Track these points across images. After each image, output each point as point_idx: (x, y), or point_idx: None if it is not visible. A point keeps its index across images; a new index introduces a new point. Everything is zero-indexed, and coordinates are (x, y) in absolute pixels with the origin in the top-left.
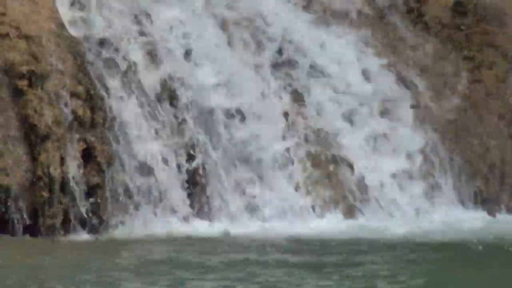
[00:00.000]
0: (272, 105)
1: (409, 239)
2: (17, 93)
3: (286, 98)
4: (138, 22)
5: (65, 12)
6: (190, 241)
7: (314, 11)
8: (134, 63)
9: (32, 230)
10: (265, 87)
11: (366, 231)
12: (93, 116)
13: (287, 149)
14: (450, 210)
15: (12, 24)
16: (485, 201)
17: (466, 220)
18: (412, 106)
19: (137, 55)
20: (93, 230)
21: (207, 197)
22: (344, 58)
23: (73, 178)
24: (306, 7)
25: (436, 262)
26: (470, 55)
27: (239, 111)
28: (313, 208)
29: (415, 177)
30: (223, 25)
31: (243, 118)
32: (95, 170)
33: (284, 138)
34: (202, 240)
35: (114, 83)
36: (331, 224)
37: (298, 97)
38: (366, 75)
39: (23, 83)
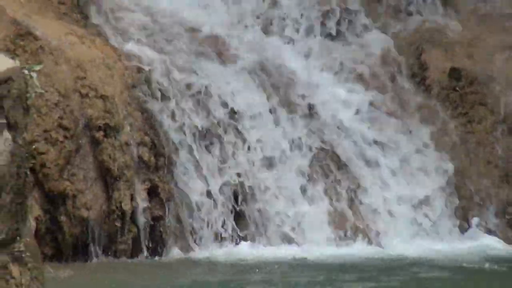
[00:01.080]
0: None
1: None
2: (95, 142)
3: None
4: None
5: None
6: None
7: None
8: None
9: (106, 254)
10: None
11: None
12: (157, 161)
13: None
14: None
15: (91, 86)
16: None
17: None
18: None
19: (189, 105)
20: (155, 253)
21: (256, 224)
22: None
23: (140, 211)
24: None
25: None
26: (464, 111)
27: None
28: (340, 236)
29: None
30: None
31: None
32: (158, 204)
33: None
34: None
35: (172, 132)
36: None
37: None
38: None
39: (100, 134)
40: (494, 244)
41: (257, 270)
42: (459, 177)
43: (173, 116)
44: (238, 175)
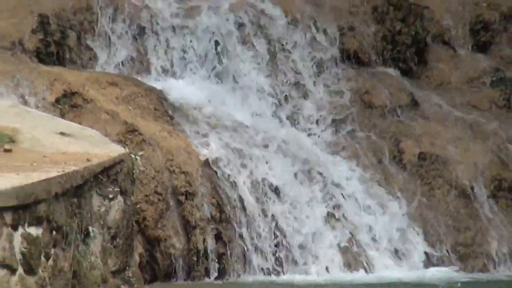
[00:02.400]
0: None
1: None
2: (179, 203)
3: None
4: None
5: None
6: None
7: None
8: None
9: (187, 277)
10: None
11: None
12: (220, 215)
13: None
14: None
15: (176, 166)
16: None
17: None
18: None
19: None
20: (220, 277)
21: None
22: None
23: (210, 249)
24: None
25: None
26: (428, 181)
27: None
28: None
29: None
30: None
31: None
32: (222, 244)
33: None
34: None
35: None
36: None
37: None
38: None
39: (182, 197)
40: (450, 272)
41: None
42: (426, 223)
43: (232, 186)
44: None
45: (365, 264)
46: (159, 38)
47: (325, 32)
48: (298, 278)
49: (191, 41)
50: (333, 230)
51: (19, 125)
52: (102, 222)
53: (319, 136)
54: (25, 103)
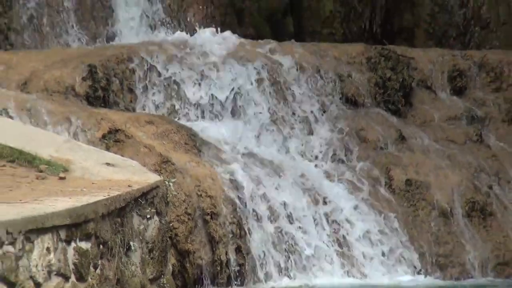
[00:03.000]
0: None
1: None
2: (206, 222)
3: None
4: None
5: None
6: None
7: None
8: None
9: (213, 285)
10: None
11: None
12: (240, 232)
13: None
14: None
15: (203, 190)
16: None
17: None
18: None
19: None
20: (242, 283)
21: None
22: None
23: (231, 260)
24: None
25: None
26: (413, 203)
27: None
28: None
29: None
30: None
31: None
32: (241, 256)
33: None
34: None
35: (249, 218)
36: None
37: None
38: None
39: (208, 217)
40: (433, 280)
41: None
42: (412, 238)
43: (250, 208)
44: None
45: (361, 271)
46: (187, 86)
47: (327, 78)
48: (305, 282)
49: (214, 90)
50: (335, 244)
51: (72, 157)
52: (141, 238)
53: (322, 166)
54: (77, 138)
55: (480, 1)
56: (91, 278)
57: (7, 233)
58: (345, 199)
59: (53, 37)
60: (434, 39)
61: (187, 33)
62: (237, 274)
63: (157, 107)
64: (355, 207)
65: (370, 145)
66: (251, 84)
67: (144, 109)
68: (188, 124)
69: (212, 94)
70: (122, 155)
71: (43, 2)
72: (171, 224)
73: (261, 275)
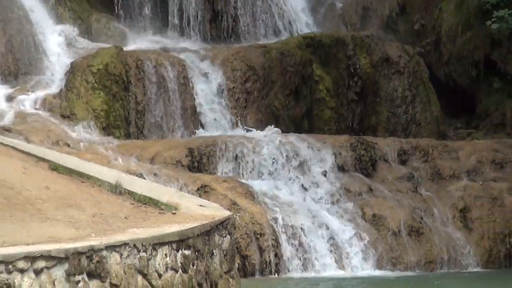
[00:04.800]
0: None
1: None
2: (256, 238)
3: None
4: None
5: None
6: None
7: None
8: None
9: (261, 274)
10: None
11: None
12: (277, 244)
13: None
14: None
15: (254, 220)
16: None
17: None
18: None
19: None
20: (278, 274)
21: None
22: None
23: (272, 260)
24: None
25: None
26: (377, 228)
27: None
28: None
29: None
30: None
31: None
32: (277, 258)
33: None
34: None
35: (281, 232)
36: None
37: None
38: None
39: (258, 235)
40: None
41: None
42: (377, 249)
43: (282, 229)
44: None
45: (348, 266)
46: (246, 159)
47: (327, 155)
48: (314, 274)
49: (261, 162)
50: (332, 249)
51: (179, 201)
52: (219, 248)
53: (325, 206)
54: (183, 190)
55: (415, 110)
56: (190, 271)
57: (142, 245)
58: (338, 223)
59: (169, 133)
60: (389, 132)
61: (245, 131)
62: (275, 269)
63: (229, 172)
64: (344, 230)
65: (352, 193)
66: (284, 161)
67: (221, 173)
68: (247, 182)
69: (261, 169)
70: (208, 200)
71: (166, 114)
72: (237, 240)
73: (289, 269)
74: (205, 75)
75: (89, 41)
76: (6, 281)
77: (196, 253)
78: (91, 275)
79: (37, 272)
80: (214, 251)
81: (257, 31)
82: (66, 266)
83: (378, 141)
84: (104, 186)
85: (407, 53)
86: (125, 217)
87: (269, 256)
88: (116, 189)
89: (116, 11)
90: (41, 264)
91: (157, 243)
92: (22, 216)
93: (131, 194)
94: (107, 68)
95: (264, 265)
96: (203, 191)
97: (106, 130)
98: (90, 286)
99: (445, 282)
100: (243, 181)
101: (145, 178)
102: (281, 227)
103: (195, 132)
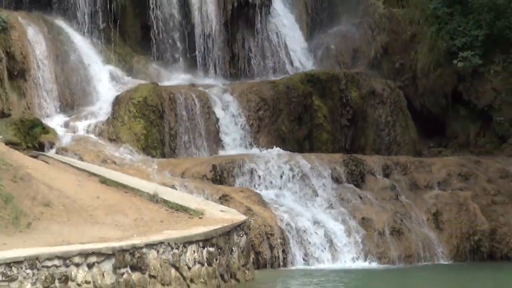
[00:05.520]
0: None
1: None
2: (267, 238)
3: None
4: None
5: None
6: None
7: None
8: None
9: (271, 267)
10: None
11: None
12: (285, 241)
13: None
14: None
15: (266, 223)
16: None
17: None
18: None
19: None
20: (285, 266)
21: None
22: None
23: (280, 255)
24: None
25: None
26: (366, 229)
27: None
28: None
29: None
30: None
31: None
32: (285, 254)
33: None
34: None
35: (289, 233)
36: None
37: None
38: None
39: (268, 235)
40: (373, 264)
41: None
42: (366, 245)
43: (291, 229)
44: None
45: (342, 259)
46: (258, 173)
47: (325, 171)
48: (316, 266)
49: (271, 176)
50: (328, 245)
51: (205, 208)
52: (238, 245)
53: (323, 210)
54: (207, 199)
55: (396, 133)
56: (214, 265)
57: (174, 243)
58: (333, 224)
59: (196, 153)
60: (375, 151)
61: (259, 150)
62: (283, 262)
63: (244, 183)
64: (338, 230)
65: (345, 201)
66: (289, 174)
67: (238, 185)
68: (259, 191)
69: (271, 181)
70: (228, 207)
71: (193, 137)
72: (251, 239)
73: (294, 262)
74: (225, 105)
75: (130, 78)
76: (64, 273)
77: (219, 250)
78: (133, 268)
79: (90, 266)
80: (233, 248)
81: (267, 69)
82: (113, 261)
83: (366, 158)
84: (144, 196)
85: (389, 87)
86: (161, 221)
87: (277, 252)
88: (154, 198)
89: (153, 54)
90: (92, 259)
91: (187, 242)
92: (77, 220)
93: (165, 202)
94: (145, 100)
95: (274, 259)
96: (224, 199)
97: (145, 150)
98: (132, 277)
99: (426, 273)
100: (256, 191)
101: (177, 189)
102: (287, 229)
103: (217, 152)
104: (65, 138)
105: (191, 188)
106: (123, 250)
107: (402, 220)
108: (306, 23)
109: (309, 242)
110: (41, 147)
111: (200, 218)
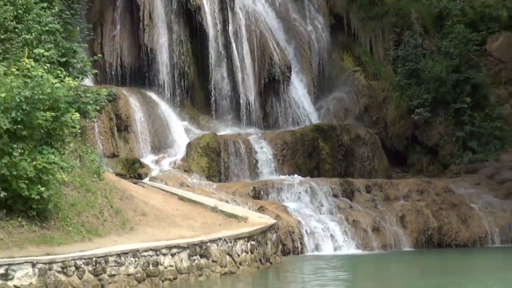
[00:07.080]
0: None
1: None
2: (289, 233)
3: None
4: None
5: None
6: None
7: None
8: None
9: (286, 255)
10: None
11: None
12: (298, 236)
13: None
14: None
15: (288, 224)
16: None
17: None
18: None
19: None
20: (300, 254)
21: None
22: None
23: (294, 245)
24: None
25: None
26: (355, 227)
27: None
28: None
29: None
30: None
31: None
32: (302, 244)
33: None
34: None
35: (299, 228)
36: None
37: None
38: None
39: (288, 232)
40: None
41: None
42: (356, 236)
43: (305, 230)
44: None
45: (339, 248)
46: (285, 193)
47: (326, 192)
48: (322, 253)
49: (292, 194)
50: (330, 239)
51: (249, 215)
52: (271, 239)
53: (327, 215)
54: (250, 209)
55: (374, 164)
56: (255, 253)
57: (229, 239)
58: (333, 225)
59: (242, 179)
60: (360, 176)
61: (284, 176)
62: (300, 251)
63: (274, 198)
64: (337, 229)
65: (342, 209)
66: (304, 192)
67: (270, 199)
68: (285, 204)
69: (292, 197)
70: (263, 214)
71: (240, 169)
72: (279, 235)
73: (308, 251)
74: (260, 147)
75: (198, 130)
76: (156, 260)
77: (258, 243)
78: (201, 256)
79: (172, 255)
80: (267, 241)
81: (288, 122)
82: (188, 251)
83: (355, 181)
84: (207, 208)
85: (369, 133)
86: (219, 224)
87: (297, 244)
88: (214, 209)
89: (212, 114)
90: (174, 250)
91: (237, 238)
92: (164, 225)
93: (222, 212)
94: (208, 145)
95: (294, 249)
96: (261, 209)
97: (208, 178)
98: (201, 262)
99: (396, 256)
100: (282, 203)
101: (229, 203)
102: (303, 228)
103: (256, 178)
104: (155, 170)
105: (239, 202)
106: (194, 244)
107: (379, 222)
108: (313, 92)
109: (317, 237)
110: (139, 177)
111: (245, 222)
